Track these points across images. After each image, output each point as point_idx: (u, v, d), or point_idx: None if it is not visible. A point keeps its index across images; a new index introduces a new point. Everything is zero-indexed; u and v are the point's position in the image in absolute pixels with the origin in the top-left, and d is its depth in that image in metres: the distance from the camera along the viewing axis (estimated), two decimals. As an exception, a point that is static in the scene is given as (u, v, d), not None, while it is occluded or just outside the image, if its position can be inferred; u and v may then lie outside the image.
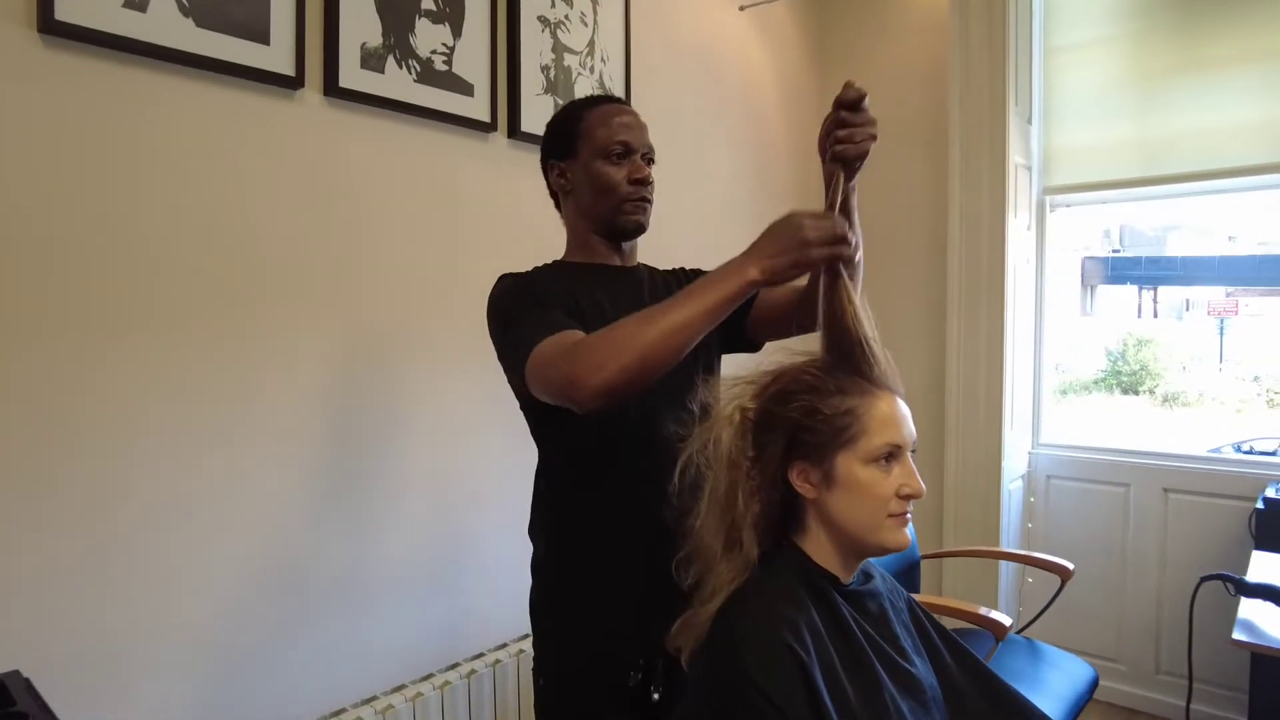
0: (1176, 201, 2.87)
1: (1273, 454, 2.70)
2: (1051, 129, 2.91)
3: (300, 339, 1.60)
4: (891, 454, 0.98)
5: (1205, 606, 2.52)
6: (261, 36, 1.51)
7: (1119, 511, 2.80)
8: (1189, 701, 1.97)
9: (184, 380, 1.43)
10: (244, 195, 1.52)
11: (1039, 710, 1.10)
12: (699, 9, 2.61)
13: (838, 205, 1.08)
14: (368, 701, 1.64)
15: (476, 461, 1.90)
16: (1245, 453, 2.89)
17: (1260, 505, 2.34)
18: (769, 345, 1.27)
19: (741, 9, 2.72)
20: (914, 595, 2.12)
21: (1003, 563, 2.73)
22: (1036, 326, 2.97)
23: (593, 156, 1.24)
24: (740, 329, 1.34)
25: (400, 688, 1.69)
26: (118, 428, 1.35)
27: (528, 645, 1.84)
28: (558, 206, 1.34)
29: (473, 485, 1.90)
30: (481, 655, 1.84)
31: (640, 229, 1.28)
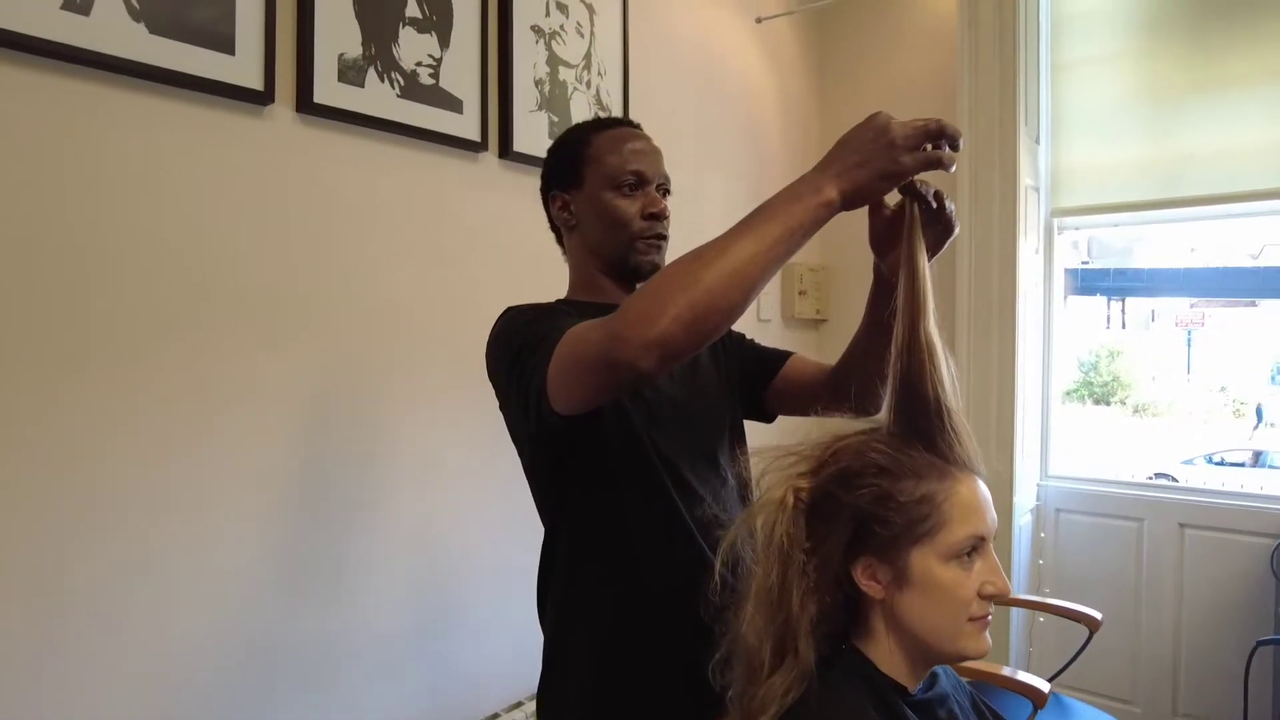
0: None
1: (1241, 465, 2.61)
2: (1059, 149, 2.81)
3: (269, 378, 1.42)
4: (974, 547, 0.83)
5: (1227, 651, 2.42)
6: (225, 45, 1.34)
7: (1132, 547, 2.69)
8: None
9: (135, 425, 1.25)
10: (205, 222, 1.34)
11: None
12: (699, 20, 2.46)
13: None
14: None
15: (466, 514, 1.73)
16: (1218, 464, 2.82)
17: (1286, 545, 2.23)
18: (812, 409, 1.11)
19: (759, 21, 2.60)
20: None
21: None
22: (1045, 353, 2.86)
23: (601, 187, 1.09)
24: (760, 397, 1.21)
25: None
26: (63, 480, 1.16)
27: (521, 714, 1.67)
28: (559, 241, 1.19)
29: (461, 541, 1.72)
30: (470, 729, 1.67)
31: (654, 269, 1.12)
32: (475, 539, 1.74)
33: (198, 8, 1.30)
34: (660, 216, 1.11)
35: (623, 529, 1.04)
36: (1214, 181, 2.53)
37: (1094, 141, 2.75)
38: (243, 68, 1.36)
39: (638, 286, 1.13)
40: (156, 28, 1.26)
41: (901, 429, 0.88)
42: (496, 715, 1.72)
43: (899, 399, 0.88)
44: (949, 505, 0.83)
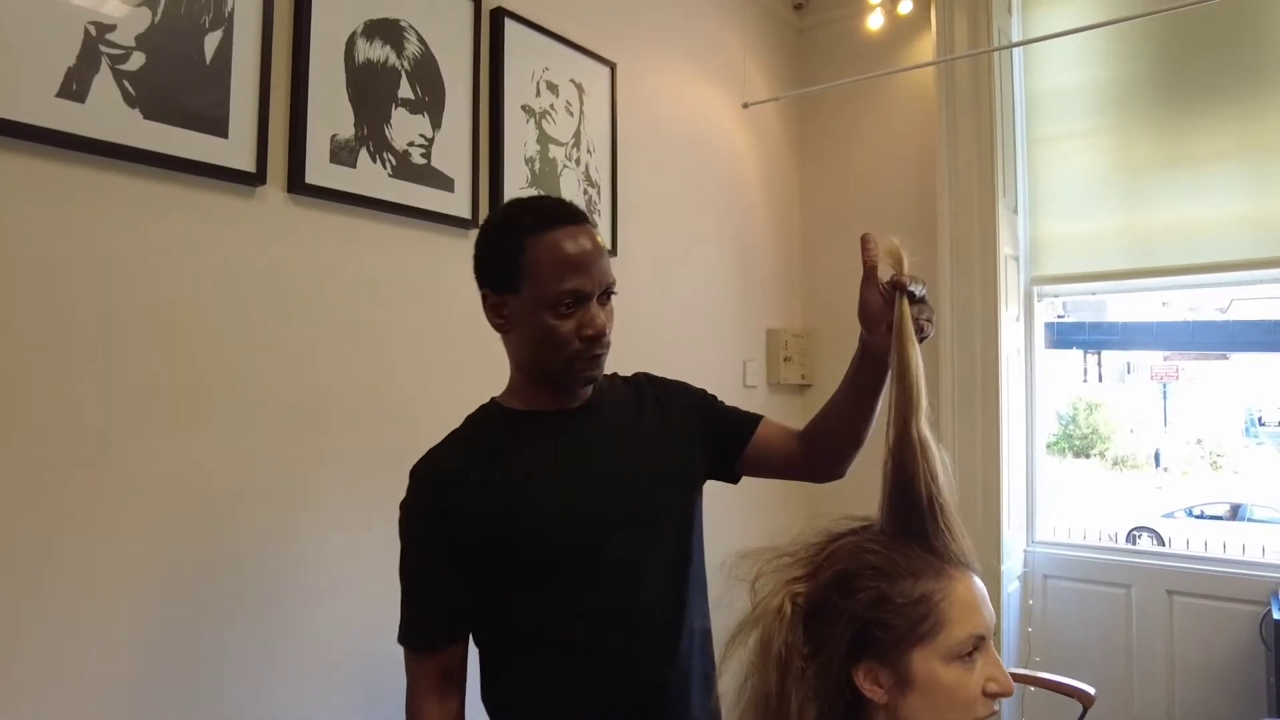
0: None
1: (1219, 518, 2.62)
2: (1037, 219, 2.88)
3: (262, 455, 1.39)
4: (975, 646, 0.82)
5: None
6: (219, 129, 1.35)
7: (1122, 614, 2.68)
8: None
9: (93, 498, 1.21)
10: (195, 302, 1.33)
11: None
12: (686, 100, 2.52)
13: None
14: None
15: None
16: (1198, 517, 2.82)
17: (1276, 613, 2.23)
18: (809, 510, 1.11)
19: (745, 106, 2.67)
20: None
21: (1006, 672, 2.58)
22: (1028, 419, 2.88)
23: (536, 307, 1.00)
24: (732, 462, 1.18)
25: None
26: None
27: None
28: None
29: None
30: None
31: (592, 383, 1.09)
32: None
33: (192, 93, 1.31)
34: (598, 338, 1.02)
35: (542, 622, 1.04)
36: (1183, 252, 2.61)
37: (1070, 212, 2.82)
38: (235, 150, 1.37)
39: (582, 391, 1.10)
40: (151, 113, 1.27)
41: (896, 528, 0.88)
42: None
43: (892, 497, 0.88)
44: (947, 604, 0.82)
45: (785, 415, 2.96)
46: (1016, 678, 2.28)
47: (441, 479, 1.04)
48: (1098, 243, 2.76)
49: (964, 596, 0.83)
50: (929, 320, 0.99)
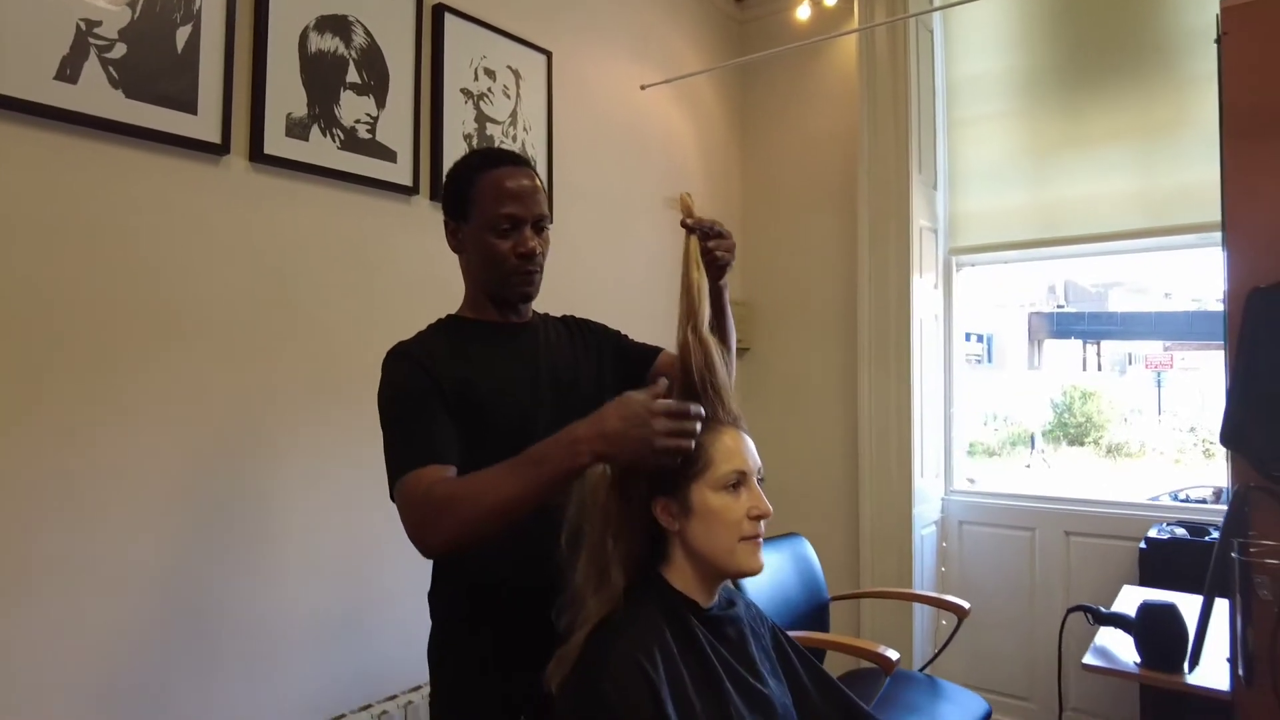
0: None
1: (1203, 501, 2.89)
2: (956, 195, 3.13)
3: (216, 389, 1.67)
4: (739, 480, 1.09)
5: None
6: (189, 107, 1.63)
7: (1025, 554, 2.94)
8: None
9: (92, 422, 1.50)
10: (168, 256, 1.61)
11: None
12: (621, 84, 2.79)
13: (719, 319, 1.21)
14: (276, 743, 1.68)
15: (389, 507, 1.96)
16: (1182, 500, 3.08)
17: (1143, 545, 2.50)
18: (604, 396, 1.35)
19: (643, 88, 2.88)
20: (819, 633, 2.21)
21: (916, 606, 2.85)
22: (946, 379, 3.14)
23: (482, 228, 1.25)
24: (638, 379, 1.42)
25: (311, 730, 1.73)
26: (34, 473, 1.41)
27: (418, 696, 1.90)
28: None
29: (381, 532, 1.96)
30: (394, 697, 1.89)
31: (527, 299, 1.35)
32: (391, 529, 1.97)
33: (166, 77, 1.59)
34: (529, 256, 1.27)
35: None
36: (1083, 223, 2.86)
37: (987, 188, 3.08)
38: (203, 125, 1.65)
39: (521, 308, 1.37)
40: (132, 93, 1.54)
41: (682, 399, 1.15)
42: (418, 687, 1.94)
43: (680, 379, 1.15)
44: (715, 449, 1.09)
45: (723, 375, 3.22)
46: (897, 595, 2.55)
47: (421, 351, 1.27)
48: (1009, 216, 3.02)
49: (728, 444, 1.11)
50: (727, 251, 1.25)
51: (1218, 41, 1.43)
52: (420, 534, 1.09)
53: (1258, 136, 1.38)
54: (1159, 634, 1.54)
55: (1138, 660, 1.57)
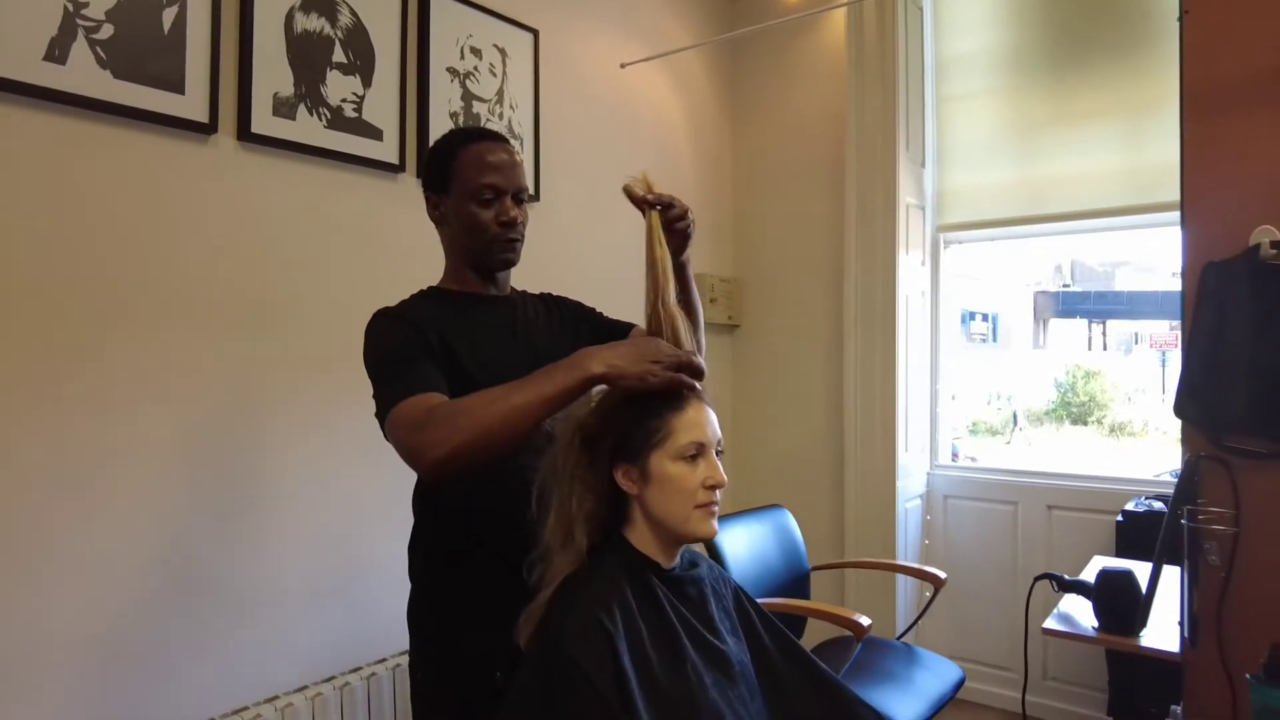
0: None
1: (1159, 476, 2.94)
2: (944, 172, 3.15)
3: (208, 362, 1.73)
4: (697, 451, 1.14)
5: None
6: (177, 87, 1.67)
7: (1008, 527, 3.00)
8: (1024, 693, 2.15)
9: (89, 394, 1.56)
10: (158, 233, 1.66)
11: (849, 690, 1.26)
12: (609, 61, 2.81)
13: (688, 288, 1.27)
14: (269, 700, 1.75)
15: (377, 480, 2.03)
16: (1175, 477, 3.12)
17: (1120, 518, 2.54)
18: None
19: (622, 66, 2.88)
20: (792, 600, 2.27)
21: (900, 577, 2.91)
22: (933, 355, 3.18)
23: (464, 198, 1.31)
24: None
25: (302, 688, 1.80)
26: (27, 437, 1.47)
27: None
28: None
29: (373, 501, 2.02)
30: (383, 660, 1.96)
31: (509, 265, 1.40)
32: (383, 498, 2.04)
33: (153, 58, 1.63)
34: (512, 224, 1.33)
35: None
36: (1069, 200, 2.88)
37: (974, 165, 3.10)
38: (191, 104, 1.69)
39: (497, 276, 1.42)
40: (120, 73, 1.58)
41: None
42: (405, 651, 2.00)
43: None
44: (676, 421, 1.14)
45: (713, 352, 3.28)
46: (882, 565, 2.61)
47: (407, 311, 1.33)
48: (996, 193, 3.04)
49: (690, 416, 1.15)
50: (681, 218, 1.28)
51: (1180, 20, 1.45)
52: (423, 446, 1.07)
53: (1216, 114, 1.41)
54: (1115, 599, 1.59)
55: (1095, 625, 1.62)
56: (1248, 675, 1.25)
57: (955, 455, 3.36)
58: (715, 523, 1.18)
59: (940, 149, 3.15)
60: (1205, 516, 1.36)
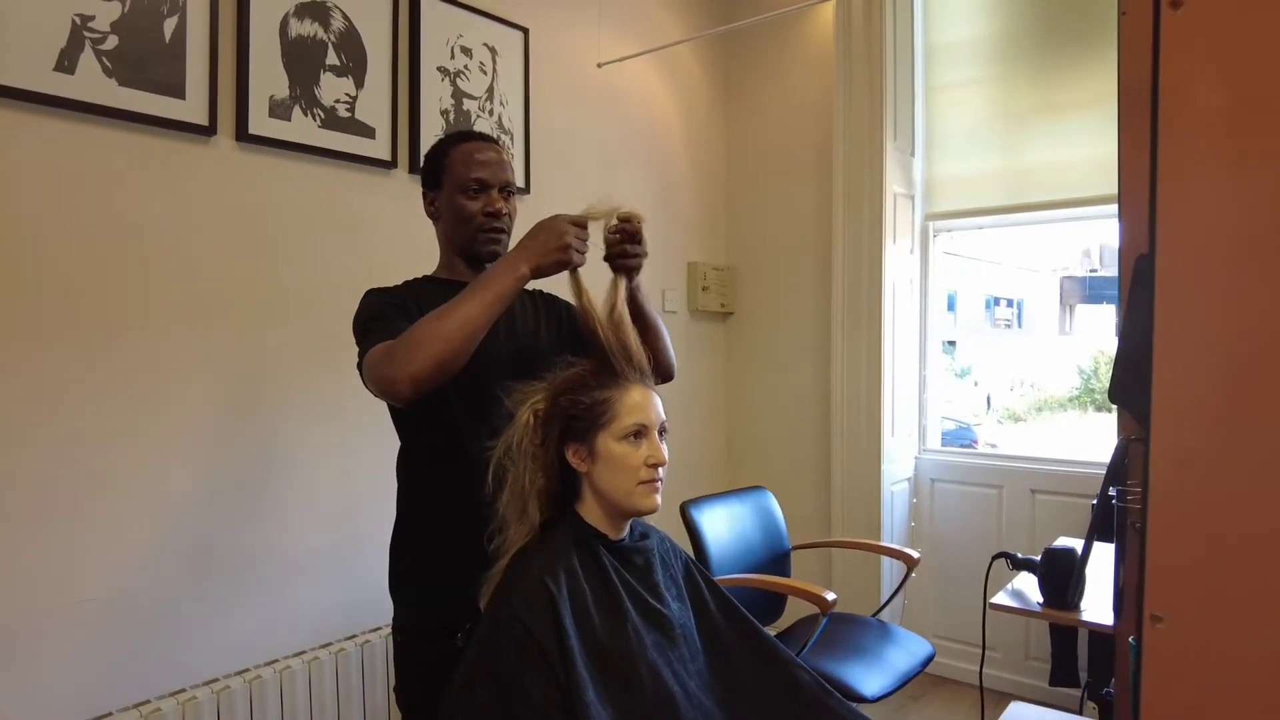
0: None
1: None
2: (933, 161, 3.20)
3: (216, 355, 1.86)
4: (639, 432, 1.24)
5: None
6: (178, 92, 1.79)
7: (993, 510, 3.06)
8: (981, 666, 2.23)
9: (104, 383, 1.69)
10: (163, 225, 1.78)
11: (788, 652, 1.36)
12: (599, 56, 2.89)
13: (621, 299, 1.35)
14: (269, 663, 1.88)
15: (372, 459, 2.15)
16: None
17: (1095, 501, 2.60)
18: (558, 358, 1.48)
19: (600, 66, 2.94)
20: (762, 575, 2.36)
21: (885, 559, 2.99)
22: (921, 342, 3.24)
23: (453, 191, 1.43)
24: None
25: (300, 653, 1.94)
26: (45, 421, 1.61)
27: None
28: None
29: (369, 480, 2.15)
30: (378, 629, 2.09)
31: (495, 256, 1.49)
32: (380, 478, 2.16)
33: (156, 65, 1.75)
34: (498, 215, 1.44)
35: (436, 448, 1.45)
36: (1053, 189, 2.92)
37: (964, 155, 3.15)
38: (192, 108, 1.81)
39: (486, 267, 1.52)
40: (125, 81, 1.71)
41: (597, 363, 1.30)
42: (378, 628, 2.13)
43: (595, 348, 1.30)
44: (620, 404, 1.24)
45: (706, 339, 3.37)
46: (859, 545, 2.70)
47: (396, 288, 1.45)
48: (983, 182, 3.09)
49: (633, 399, 1.25)
50: (621, 255, 1.41)
51: (1119, 20, 1.51)
52: (392, 375, 1.20)
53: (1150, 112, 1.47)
54: (1057, 575, 1.67)
55: (1040, 600, 1.70)
56: (1130, 639, 1.33)
57: (974, 442, 3.42)
58: (658, 498, 1.28)
59: (929, 138, 3.20)
60: (1133, 496, 1.43)
